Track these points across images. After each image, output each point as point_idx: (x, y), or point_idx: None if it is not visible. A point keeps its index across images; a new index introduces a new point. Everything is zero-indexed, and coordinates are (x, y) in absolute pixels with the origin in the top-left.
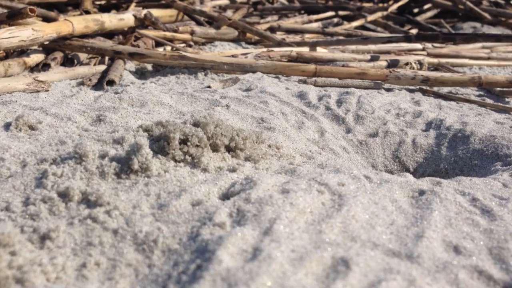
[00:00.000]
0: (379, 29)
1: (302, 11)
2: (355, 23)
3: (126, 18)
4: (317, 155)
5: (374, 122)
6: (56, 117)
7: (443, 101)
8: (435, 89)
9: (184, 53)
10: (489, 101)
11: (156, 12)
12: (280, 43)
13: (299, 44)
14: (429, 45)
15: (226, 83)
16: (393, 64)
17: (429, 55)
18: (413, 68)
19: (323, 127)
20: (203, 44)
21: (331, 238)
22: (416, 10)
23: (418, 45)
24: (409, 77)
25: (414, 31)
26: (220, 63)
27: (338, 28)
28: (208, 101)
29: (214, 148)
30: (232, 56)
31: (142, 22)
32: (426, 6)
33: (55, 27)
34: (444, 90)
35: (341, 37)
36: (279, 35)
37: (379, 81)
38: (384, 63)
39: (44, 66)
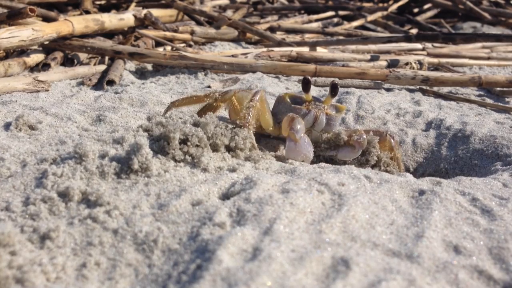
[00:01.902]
0: (379, 29)
1: (302, 11)
2: (355, 23)
3: (126, 18)
4: None
5: (374, 122)
6: (56, 117)
7: (443, 101)
8: (435, 89)
9: (184, 53)
10: (489, 101)
11: (156, 12)
12: (280, 43)
13: (299, 44)
14: (429, 45)
15: (226, 83)
16: (393, 64)
17: (429, 55)
18: (413, 68)
19: None
20: (203, 44)
21: (331, 238)
22: (416, 10)
23: (418, 45)
24: (409, 77)
25: (414, 31)
26: (220, 63)
27: (338, 28)
28: None
29: (214, 148)
30: (232, 56)
31: (142, 22)
32: (426, 6)
33: (55, 27)
34: (444, 90)
35: (341, 37)
36: (279, 35)
37: (379, 81)
38: (384, 63)
39: (44, 66)
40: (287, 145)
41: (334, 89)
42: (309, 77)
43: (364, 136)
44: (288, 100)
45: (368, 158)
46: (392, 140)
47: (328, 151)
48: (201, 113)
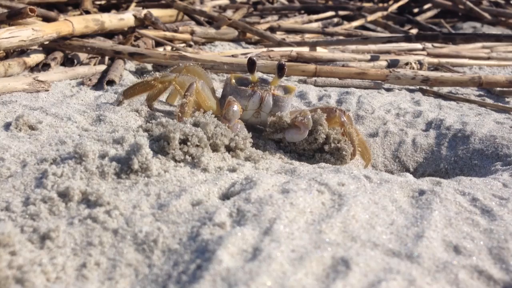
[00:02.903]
0: (379, 29)
1: (302, 11)
2: (355, 23)
3: (126, 18)
4: None
5: (374, 122)
6: (56, 117)
7: (443, 101)
8: (435, 89)
9: (184, 53)
10: (489, 101)
11: (156, 12)
12: (280, 43)
13: (299, 44)
14: (429, 45)
15: None
16: (393, 64)
17: (429, 55)
18: (413, 68)
19: None
20: (203, 44)
21: (331, 238)
22: (416, 10)
23: (418, 45)
24: (409, 77)
25: (414, 31)
26: (220, 63)
27: (338, 28)
28: None
29: (214, 148)
30: (232, 56)
31: (142, 22)
32: (426, 6)
33: (55, 27)
34: (444, 90)
35: (341, 37)
36: (279, 35)
37: (379, 81)
38: (384, 63)
39: (44, 66)
40: None
41: (280, 69)
42: (255, 58)
43: (309, 116)
44: (234, 81)
45: (316, 136)
46: (342, 115)
47: (275, 134)
48: (151, 101)
